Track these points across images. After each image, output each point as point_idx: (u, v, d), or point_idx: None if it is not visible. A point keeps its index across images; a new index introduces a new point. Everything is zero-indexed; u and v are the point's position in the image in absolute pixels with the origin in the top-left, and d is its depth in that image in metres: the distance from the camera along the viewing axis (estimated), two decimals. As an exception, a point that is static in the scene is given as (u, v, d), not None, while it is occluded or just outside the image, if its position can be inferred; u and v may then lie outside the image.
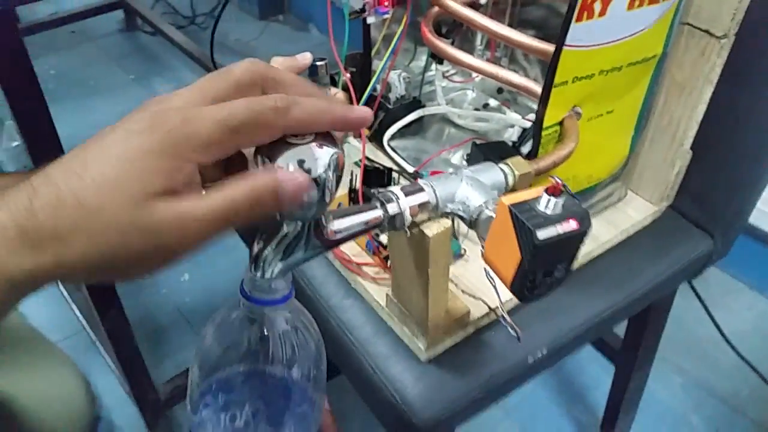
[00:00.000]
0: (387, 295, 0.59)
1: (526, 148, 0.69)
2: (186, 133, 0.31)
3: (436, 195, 0.46)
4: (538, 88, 0.54)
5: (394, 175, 0.71)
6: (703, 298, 1.33)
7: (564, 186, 0.43)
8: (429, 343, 0.56)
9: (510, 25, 0.82)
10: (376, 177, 0.70)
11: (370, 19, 0.69)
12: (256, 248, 0.41)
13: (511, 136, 0.78)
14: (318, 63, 0.68)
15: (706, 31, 0.58)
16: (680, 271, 0.70)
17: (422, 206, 0.46)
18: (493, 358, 0.59)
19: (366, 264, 0.63)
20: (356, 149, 0.76)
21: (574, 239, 0.41)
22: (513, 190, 0.50)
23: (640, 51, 0.54)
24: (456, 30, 0.78)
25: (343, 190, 0.72)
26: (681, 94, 0.63)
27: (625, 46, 0.52)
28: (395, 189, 0.46)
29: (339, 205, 0.70)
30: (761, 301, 1.44)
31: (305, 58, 0.67)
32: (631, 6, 0.50)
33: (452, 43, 0.79)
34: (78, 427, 1.10)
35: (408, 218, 0.45)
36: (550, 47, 0.51)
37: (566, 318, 0.62)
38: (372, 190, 0.65)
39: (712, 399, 1.26)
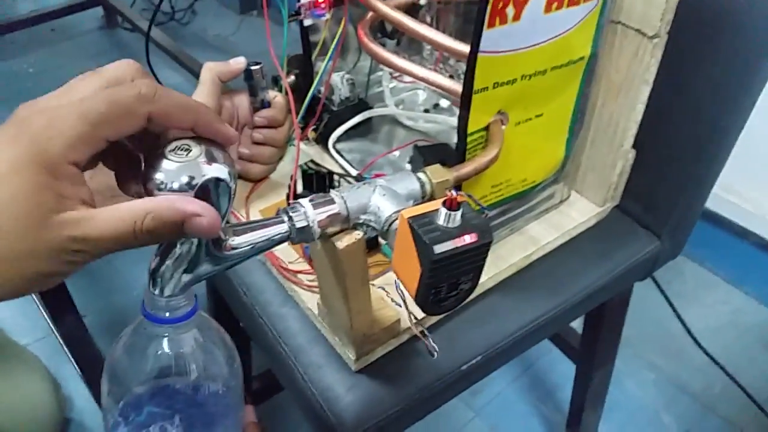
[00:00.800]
0: (317, 303, 0.58)
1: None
2: (50, 136, 0.31)
3: (346, 206, 0.45)
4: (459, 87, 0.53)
5: (336, 178, 0.71)
6: (678, 292, 1.32)
7: (469, 196, 0.43)
8: (358, 352, 0.56)
9: (457, 23, 0.81)
10: (318, 181, 0.69)
11: (307, 22, 0.68)
12: (153, 265, 0.40)
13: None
14: (253, 67, 0.67)
15: (638, 31, 0.57)
16: (625, 273, 0.69)
17: (332, 218, 0.45)
18: (426, 366, 0.58)
19: (302, 272, 0.63)
20: (301, 152, 0.75)
21: (475, 252, 0.40)
22: (432, 198, 0.49)
23: (565, 54, 0.53)
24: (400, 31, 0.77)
25: (281, 196, 0.71)
26: (618, 94, 0.62)
27: (547, 50, 0.51)
28: (303, 201, 0.45)
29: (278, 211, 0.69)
30: (737, 296, 1.43)
31: (238, 62, 0.67)
32: (548, 9, 0.49)
33: (398, 44, 0.78)
34: (48, 430, 1.10)
35: (317, 231, 0.45)
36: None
37: (503, 324, 0.62)
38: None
39: (683, 396, 1.26)
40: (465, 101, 0.51)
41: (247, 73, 0.66)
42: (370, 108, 0.78)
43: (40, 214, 0.31)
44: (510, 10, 0.47)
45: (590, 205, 0.70)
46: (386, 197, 0.46)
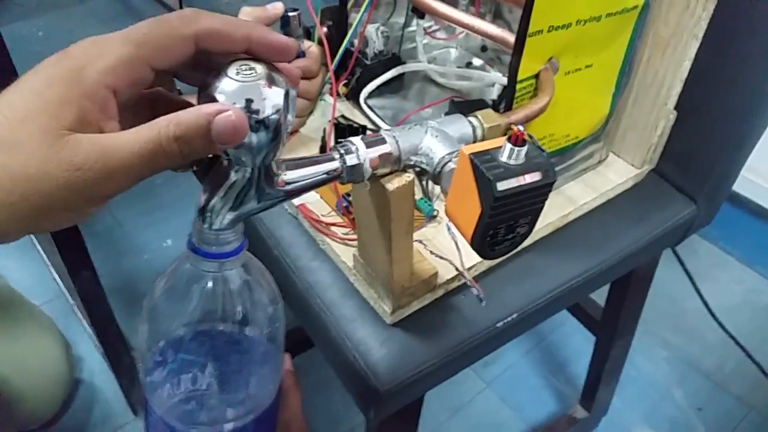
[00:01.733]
0: (354, 255, 0.57)
1: (504, 107, 0.67)
2: (90, 56, 0.30)
3: (398, 146, 0.44)
4: (509, 36, 0.51)
5: (369, 133, 0.69)
6: (692, 271, 1.32)
7: (530, 136, 0.41)
8: (394, 305, 0.54)
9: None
10: (351, 135, 0.68)
11: (345, -31, 0.66)
12: (202, 197, 0.39)
13: (492, 95, 0.75)
14: (290, 14, 0.65)
15: (693, -17, 0.56)
16: (661, 237, 0.68)
17: (384, 158, 0.43)
18: (461, 322, 0.57)
19: (335, 224, 0.61)
20: (331, 107, 0.74)
21: (538, 192, 0.38)
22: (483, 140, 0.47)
23: (621, 0, 0.52)
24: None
25: (312, 151, 0.69)
26: (665, 50, 0.60)
27: (603, -6, 0.50)
28: (355, 139, 0.43)
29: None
30: (751, 275, 1.43)
31: (276, 8, 0.65)
32: (610, -50, 0.47)
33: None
34: (58, 389, 1.10)
35: (368, 170, 0.43)
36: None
37: (539, 282, 0.60)
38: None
39: (695, 374, 1.26)
40: (518, 45, 0.49)
41: (284, 20, 0.64)
42: (404, 63, 0.76)
43: (56, 129, 0.29)
44: (573, -52, 0.45)
45: (628, 167, 0.68)
46: (438, 138, 0.44)
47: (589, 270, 0.63)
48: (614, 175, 0.68)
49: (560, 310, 0.65)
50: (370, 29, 0.72)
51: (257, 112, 0.34)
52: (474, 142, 0.47)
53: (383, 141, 0.44)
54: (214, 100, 0.34)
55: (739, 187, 1.34)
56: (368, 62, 0.74)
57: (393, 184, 0.44)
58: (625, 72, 0.59)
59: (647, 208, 0.68)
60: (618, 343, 0.94)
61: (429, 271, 0.55)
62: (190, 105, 0.38)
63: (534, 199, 0.39)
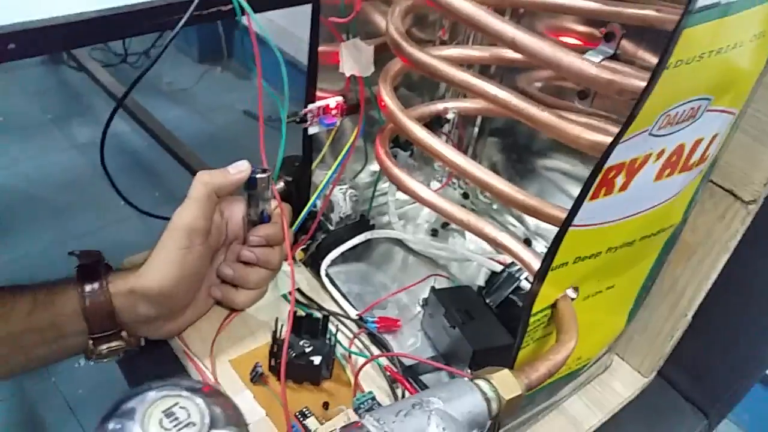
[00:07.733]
0: None
1: (493, 300, 0.57)
2: None
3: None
4: (512, 245, 0.42)
5: (333, 321, 0.57)
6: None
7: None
8: None
9: (479, 134, 0.70)
10: (309, 325, 0.55)
11: (313, 130, 0.56)
12: None
13: (476, 272, 0.65)
14: (258, 176, 0.53)
15: (730, 192, 0.47)
16: (669, 461, 0.57)
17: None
18: None
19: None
20: (286, 278, 0.61)
21: None
22: (495, 419, 0.36)
23: (658, 222, 0.42)
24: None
25: (259, 340, 0.56)
26: (690, 258, 0.51)
27: (642, 220, 0.40)
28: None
29: (255, 369, 0.53)
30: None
31: (240, 171, 0.52)
32: (659, 176, 0.38)
33: (411, 155, 0.65)
34: None
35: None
36: (533, 202, 0.39)
37: None
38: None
39: None
40: (538, 278, 0.38)
41: (250, 183, 0.52)
42: (372, 227, 0.65)
43: None
44: (620, 179, 0.35)
45: (635, 375, 0.58)
46: (447, 430, 0.33)
47: None
48: (620, 385, 0.57)
49: None
50: (337, 193, 0.61)
51: None
52: (491, 419, 0.35)
53: (366, 436, 0.31)
54: None
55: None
56: (333, 227, 0.63)
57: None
58: (647, 288, 0.49)
59: (653, 422, 0.58)
60: None
61: None
62: None
63: None
